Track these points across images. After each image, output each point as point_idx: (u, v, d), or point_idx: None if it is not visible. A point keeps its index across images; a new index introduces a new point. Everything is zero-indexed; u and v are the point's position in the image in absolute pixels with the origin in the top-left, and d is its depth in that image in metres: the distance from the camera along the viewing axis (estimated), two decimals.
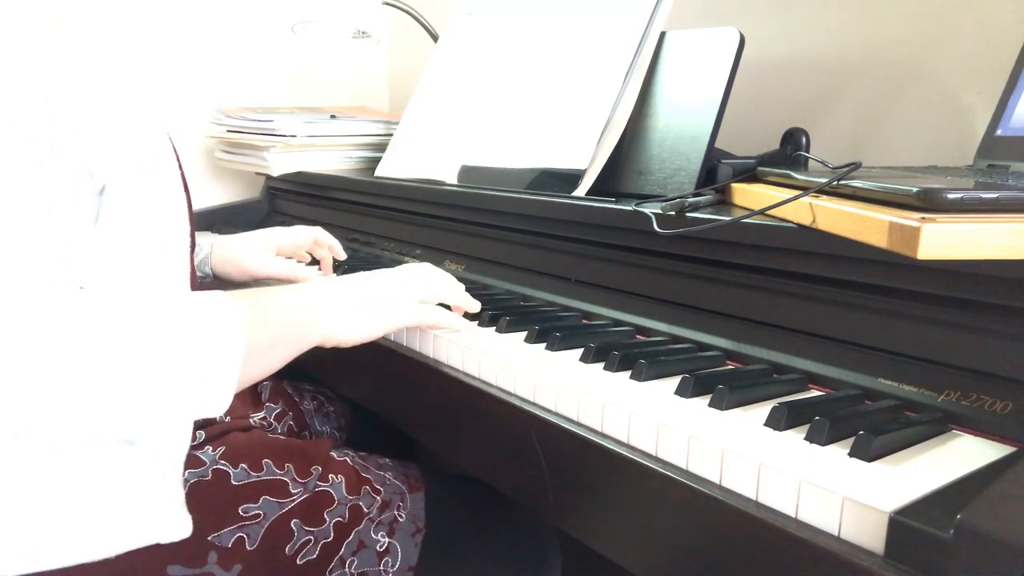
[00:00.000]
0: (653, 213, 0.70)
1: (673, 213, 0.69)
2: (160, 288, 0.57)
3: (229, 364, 0.50)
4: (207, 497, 0.68)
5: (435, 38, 1.41)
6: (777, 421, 0.51)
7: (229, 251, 0.99)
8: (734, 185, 0.76)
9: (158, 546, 0.56)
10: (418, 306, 0.71)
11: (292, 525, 0.71)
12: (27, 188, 0.48)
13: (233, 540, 0.67)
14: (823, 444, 0.48)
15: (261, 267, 0.99)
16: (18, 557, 0.43)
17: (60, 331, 0.42)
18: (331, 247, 1.04)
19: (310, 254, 1.06)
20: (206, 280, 1.00)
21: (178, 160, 0.63)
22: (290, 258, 1.03)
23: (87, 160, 0.51)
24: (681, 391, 0.58)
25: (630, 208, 0.74)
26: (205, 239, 1.00)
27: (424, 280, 0.73)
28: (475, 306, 0.77)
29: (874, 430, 0.47)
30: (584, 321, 0.79)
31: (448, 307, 0.76)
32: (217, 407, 0.50)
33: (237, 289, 0.58)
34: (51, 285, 0.46)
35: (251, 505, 0.70)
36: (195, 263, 0.97)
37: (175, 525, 0.48)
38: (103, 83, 0.54)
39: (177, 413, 0.47)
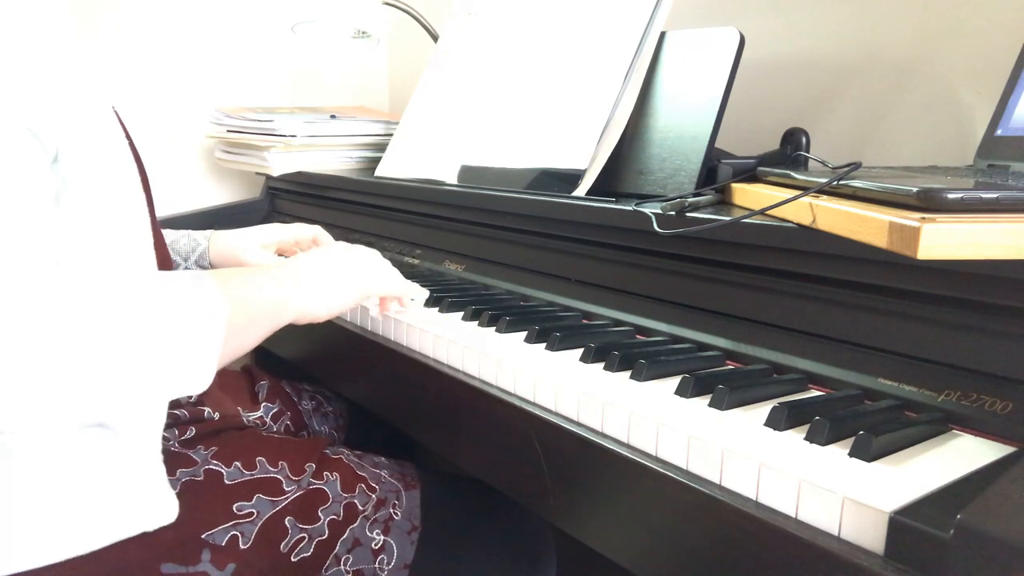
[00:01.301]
0: (653, 213, 0.70)
1: (673, 213, 0.69)
2: (127, 259, 0.58)
3: (210, 342, 0.51)
4: (200, 496, 0.68)
5: (435, 38, 1.41)
6: (777, 421, 0.51)
7: (227, 245, 0.99)
8: (734, 185, 0.76)
9: (151, 544, 0.56)
10: (374, 280, 0.75)
11: (286, 523, 0.70)
12: (21, 178, 0.48)
13: (227, 538, 0.67)
14: (823, 444, 0.48)
15: (259, 264, 0.98)
16: (4, 557, 0.43)
17: (40, 311, 0.43)
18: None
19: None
20: None
21: (126, 132, 0.64)
22: (284, 255, 1.03)
23: (37, 128, 0.51)
24: (681, 391, 0.58)
25: (630, 208, 0.73)
26: (201, 234, 1.00)
27: (373, 261, 0.77)
28: (422, 293, 0.83)
29: (874, 430, 0.47)
30: (584, 321, 0.79)
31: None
32: (198, 385, 0.51)
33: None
34: (28, 265, 0.46)
35: (244, 503, 0.69)
36: (193, 258, 0.97)
37: (160, 510, 0.48)
38: (51, 53, 0.54)
39: (157, 392, 0.48)
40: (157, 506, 0.48)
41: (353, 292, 0.71)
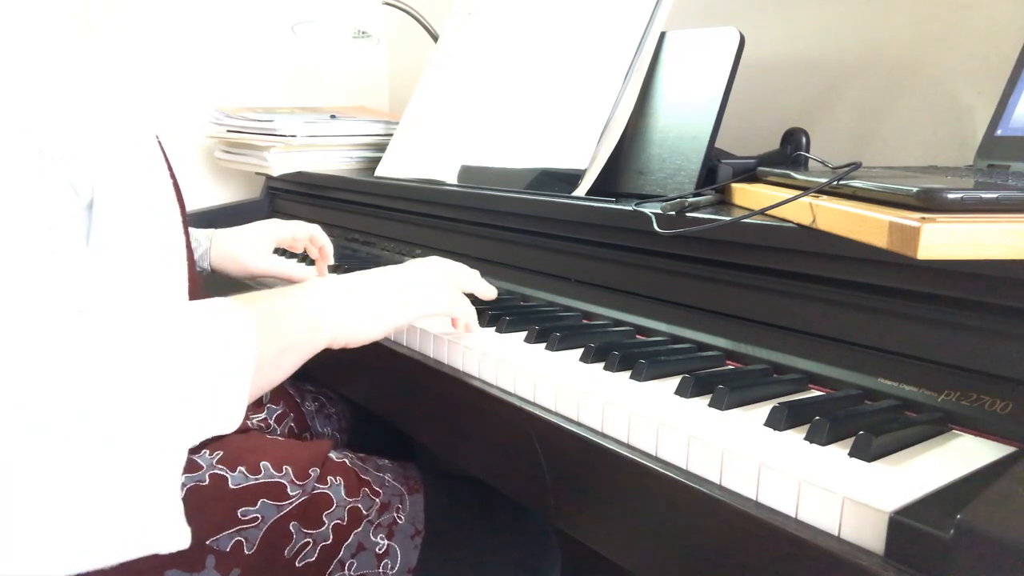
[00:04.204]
0: (653, 213, 0.70)
1: (673, 213, 0.69)
2: (159, 301, 0.56)
3: (240, 379, 0.48)
4: (205, 501, 0.68)
5: (435, 38, 1.41)
6: (777, 421, 0.51)
7: (229, 247, 0.99)
8: (734, 185, 0.76)
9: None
10: (415, 314, 0.69)
11: (291, 528, 0.70)
12: (32, 205, 0.47)
13: (231, 544, 0.67)
14: (823, 444, 0.48)
15: (261, 265, 0.99)
16: (16, 565, 0.43)
17: (64, 358, 0.40)
18: (322, 248, 1.03)
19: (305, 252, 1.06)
20: (203, 275, 1.00)
21: (167, 162, 0.62)
22: (285, 253, 1.03)
23: (71, 174, 0.49)
24: (681, 391, 0.58)
25: (630, 208, 0.74)
26: (204, 233, 1.00)
27: (426, 282, 0.70)
28: (491, 293, 0.77)
29: (874, 430, 0.47)
30: (584, 321, 0.79)
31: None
32: (229, 424, 0.48)
33: (240, 294, 0.57)
34: (53, 309, 0.44)
35: (249, 508, 0.69)
36: (194, 259, 0.97)
37: (173, 535, 0.47)
38: (90, 85, 0.52)
39: (183, 438, 0.45)
40: (170, 531, 0.47)
41: (395, 316, 0.66)
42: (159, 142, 0.62)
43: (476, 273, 0.76)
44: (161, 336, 0.45)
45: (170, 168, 0.63)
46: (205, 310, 0.49)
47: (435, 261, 0.73)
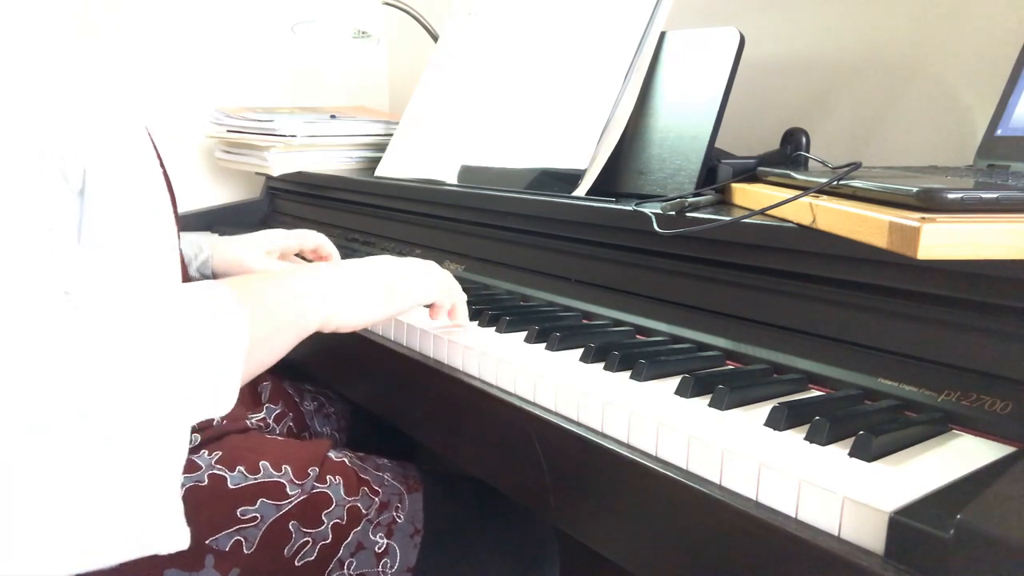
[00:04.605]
0: (653, 213, 0.70)
1: (673, 213, 0.69)
2: (150, 286, 0.56)
3: (232, 361, 0.48)
4: (204, 501, 0.68)
5: (435, 38, 1.41)
6: (777, 421, 0.51)
7: (232, 252, 0.98)
8: (734, 185, 0.76)
9: None
10: (407, 303, 0.69)
11: (290, 527, 0.70)
12: (32, 206, 0.47)
13: (231, 543, 0.67)
14: (823, 444, 0.48)
15: (265, 270, 0.98)
16: (16, 566, 0.43)
17: (65, 359, 0.40)
18: (329, 256, 1.02)
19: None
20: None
21: (158, 154, 0.62)
22: (288, 259, 1.02)
23: (62, 163, 0.49)
24: (681, 391, 0.58)
25: (630, 208, 0.74)
26: (205, 240, 0.99)
27: (420, 273, 0.71)
28: (465, 320, 0.76)
29: (874, 430, 0.47)
30: (584, 321, 0.79)
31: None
32: (222, 407, 0.47)
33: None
34: (55, 311, 0.44)
35: (248, 508, 0.69)
36: (196, 265, 0.96)
37: (173, 536, 0.47)
38: (89, 85, 0.53)
39: (179, 420, 0.45)
40: (169, 532, 0.47)
41: (388, 304, 0.66)
42: (150, 137, 0.62)
43: (465, 298, 0.76)
44: (159, 335, 0.45)
45: (162, 163, 0.63)
46: (198, 302, 0.48)
47: (434, 264, 0.73)
